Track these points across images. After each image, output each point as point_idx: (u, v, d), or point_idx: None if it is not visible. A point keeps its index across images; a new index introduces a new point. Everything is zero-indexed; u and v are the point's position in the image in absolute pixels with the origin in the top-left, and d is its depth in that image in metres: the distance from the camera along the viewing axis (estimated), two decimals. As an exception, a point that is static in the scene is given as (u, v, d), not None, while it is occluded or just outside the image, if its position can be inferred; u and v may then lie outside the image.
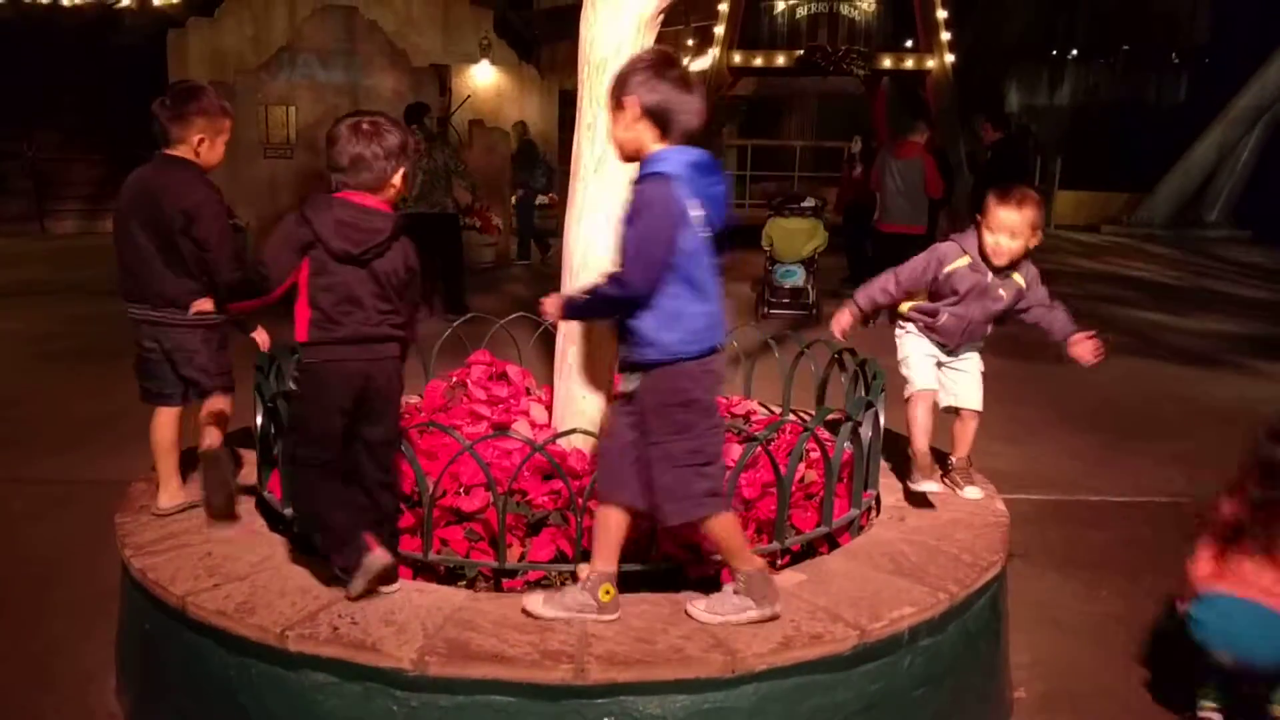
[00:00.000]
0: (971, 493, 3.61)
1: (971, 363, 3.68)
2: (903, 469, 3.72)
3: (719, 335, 2.60)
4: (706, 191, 2.53)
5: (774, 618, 2.62)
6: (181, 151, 3.35)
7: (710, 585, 2.84)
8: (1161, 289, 13.10)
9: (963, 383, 3.67)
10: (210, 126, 3.37)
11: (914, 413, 3.58)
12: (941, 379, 3.66)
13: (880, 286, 3.71)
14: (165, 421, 3.45)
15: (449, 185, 9.51)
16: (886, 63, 15.73)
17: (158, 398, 3.45)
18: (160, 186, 3.31)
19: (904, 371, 3.67)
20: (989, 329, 3.66)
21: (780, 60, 15.74)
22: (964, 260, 3.57)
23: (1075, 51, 26.58)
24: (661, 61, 2.55)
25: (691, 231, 2.49)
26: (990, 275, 3.55)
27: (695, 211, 2.49)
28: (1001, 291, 3.56)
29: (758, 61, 15.84)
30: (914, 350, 3.66)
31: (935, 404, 3.62)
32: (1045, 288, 3.64)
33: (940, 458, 3.67)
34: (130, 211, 3.34)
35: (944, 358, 3.66)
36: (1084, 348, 3.53)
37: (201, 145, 3.38)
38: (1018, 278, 3.57)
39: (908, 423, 3.59)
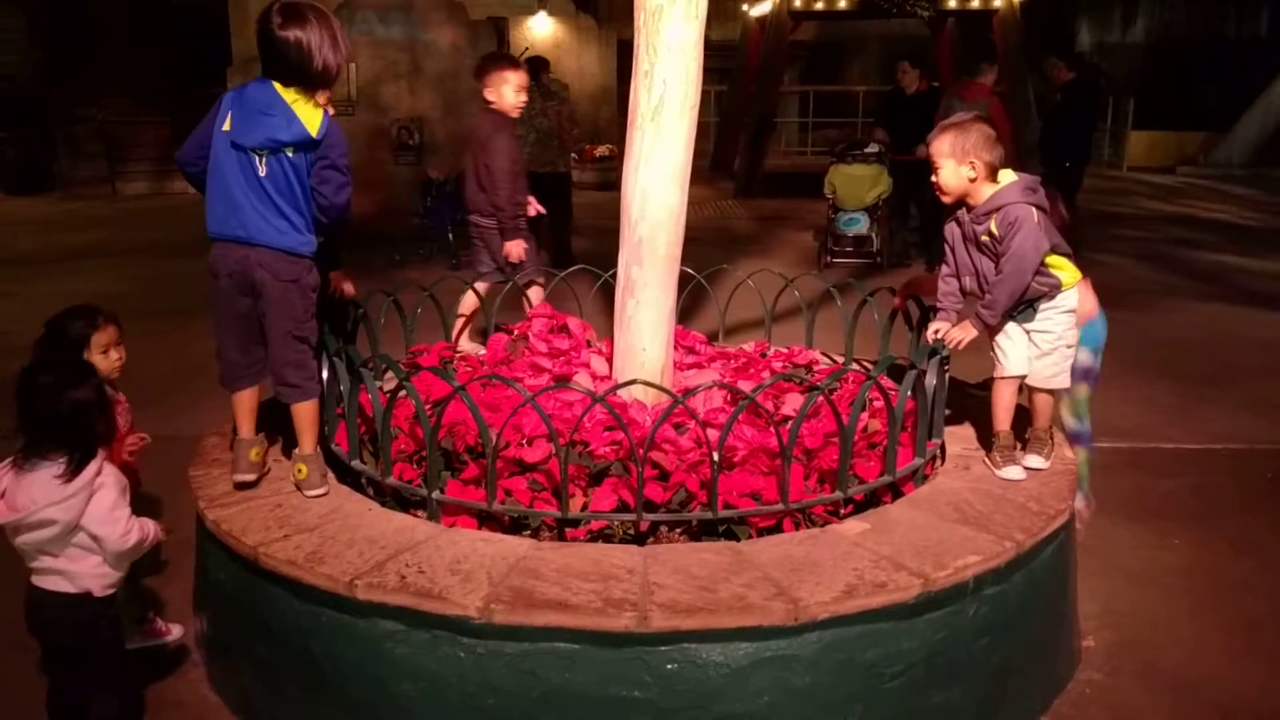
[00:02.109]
0: (1034, 461, 3.34)
1: (1050, 336, 3.34)
2: (967, 418, 3.68)
3: (223, 232, 2.96)
4: (248, 116, 2.94)
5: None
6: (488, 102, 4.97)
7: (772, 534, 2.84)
8: (1239, 231, 12.69)
9: (1036, 358, 3.37)
10: (487, 81, 4.94)
11: (998, 394, 3.41)
12: (1028, 353, 3.39)
13: (944, 274, 3.49)
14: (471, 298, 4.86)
15: (562, 144, 9.27)
16: (951, 2, 15.25)
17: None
18: (477, 124, 5.09)
19: (995, 352, 3.43)
20: (1040, 280, 3.26)
21: (842, 3, 15.34)
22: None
23: (1150, -15, 25.64)
24: (284, 9, 2.96)
25: (218, 135, 2.95)
26: (968, 219, 3.32)
27: (226, 122, 2.95)
28: (985, 238, 3.27)
29: (819, 5, 15.43)
30: (1004, 330, 3.40)
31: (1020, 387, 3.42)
32: (1019, 258, 3.18)
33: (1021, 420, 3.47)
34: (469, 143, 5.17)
35: (1027, 324, 3.36)
36: (961, 328, 3.33)
37: (491, 95, 4.97)
38: (991, 224, 3.24)
39: (992, 404, 3.42)
